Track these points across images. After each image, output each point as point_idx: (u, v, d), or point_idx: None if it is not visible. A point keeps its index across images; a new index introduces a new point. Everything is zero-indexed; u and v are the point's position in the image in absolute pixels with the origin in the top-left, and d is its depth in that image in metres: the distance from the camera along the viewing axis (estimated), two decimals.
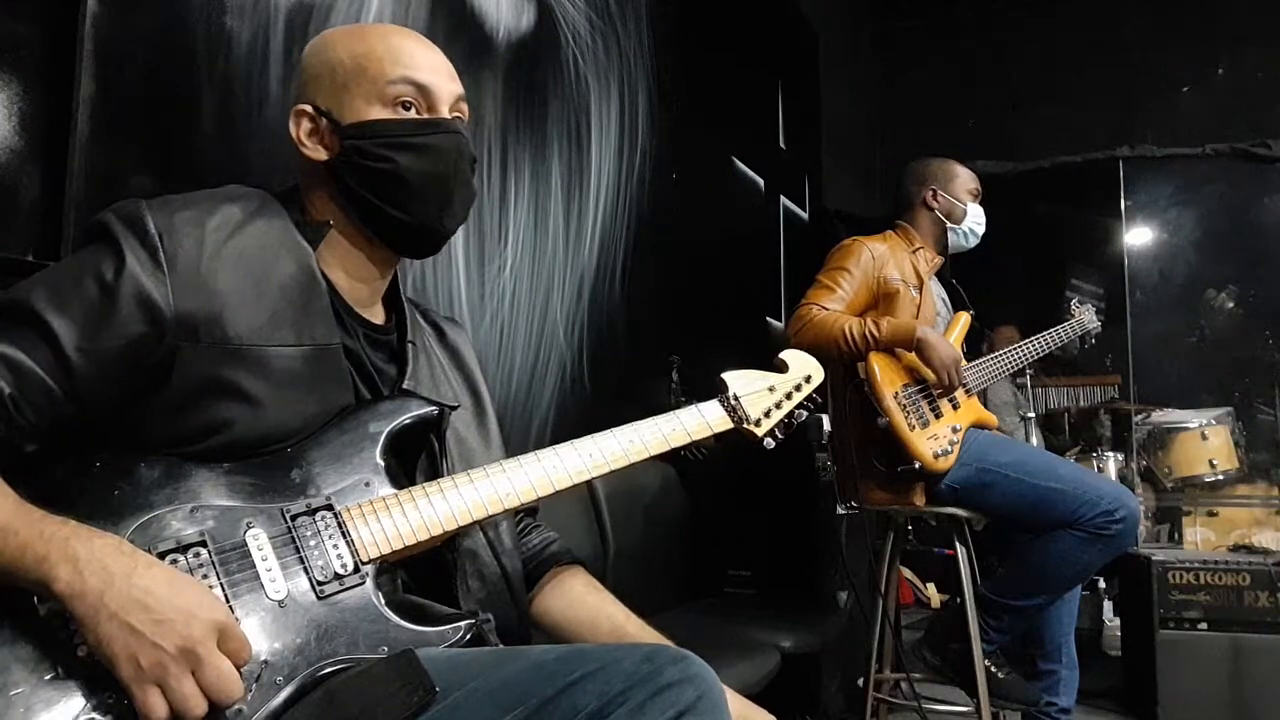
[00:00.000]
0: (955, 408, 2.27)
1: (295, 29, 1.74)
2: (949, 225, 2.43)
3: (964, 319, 2.43)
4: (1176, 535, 3.75)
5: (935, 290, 2.47)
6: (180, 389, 0.90)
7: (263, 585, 0.86)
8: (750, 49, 3.98)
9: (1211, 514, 3.71)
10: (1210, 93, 4.85)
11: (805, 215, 4.50)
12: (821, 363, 1.26)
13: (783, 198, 4.22)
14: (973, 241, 2.47)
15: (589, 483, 2.28)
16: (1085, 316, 2.57)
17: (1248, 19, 4.79)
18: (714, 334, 3.33)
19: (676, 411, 1.12)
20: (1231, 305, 4.75)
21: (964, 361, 2.27)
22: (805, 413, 1.22)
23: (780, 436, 1.19)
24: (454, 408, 1.08)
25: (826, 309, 2.25)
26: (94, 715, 0.75)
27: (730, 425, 1.15)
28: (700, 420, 1.13)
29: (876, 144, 5.52)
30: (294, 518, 0.90)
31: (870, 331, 2.18)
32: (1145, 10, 5.01)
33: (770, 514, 3.02)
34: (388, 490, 0.96)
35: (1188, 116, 4.83)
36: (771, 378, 1.21)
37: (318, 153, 1.03)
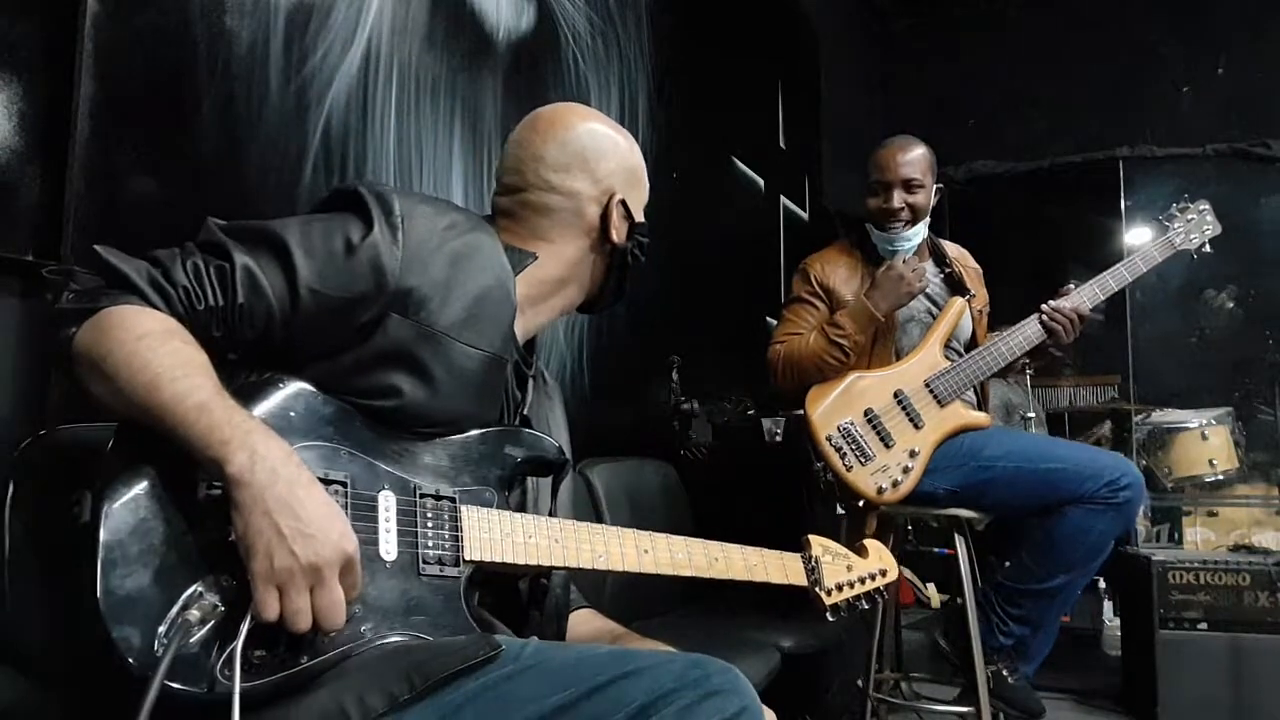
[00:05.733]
0: (918, 427, 2.17)
1: (295, 29, 1.74)
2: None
3: (957, 305, 2.32)
4: (1176, 535, 3.74)
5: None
6: (376, 349, 0.99)
7: (378, 541, 0.93)
8: (750, 49, 3.98)
9: (1211, 514, 3.70)
10: (1210, 93, 4.85)
11: (805, 215, 4.49)
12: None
13: (783, 198, 4.22)
14: (901, 246, 2.38)
15: (588, 482, 2.28)
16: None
17: (1248, 19, 4.78)
18: (714, 334, 3.32)
19: (763, 551, 1.20)
20: (1231, 305, 4.75)
21: (915, 279, 2.21)
22: (869, 605, 1.30)
23: (843, 615, 1.28)
24: (569, 461, 1.17)
25: (787, 339, 2.26)
26: (204, 590, 0.83)
27: (805, 584, 1.24)
28: (781, 567, 1.22)
29: (876, 144, 5.51)
30: (421, 496, 0.99)
31: (836, 337, 2.17)
32: (1145, 10, 5.01)
33: (770, 514, 3.02)
34: (503, 508, 1.04)
35: (1188, 116, 4.82)
36: (851, 557, 1.30)
37: (613, 234, 1.19)
